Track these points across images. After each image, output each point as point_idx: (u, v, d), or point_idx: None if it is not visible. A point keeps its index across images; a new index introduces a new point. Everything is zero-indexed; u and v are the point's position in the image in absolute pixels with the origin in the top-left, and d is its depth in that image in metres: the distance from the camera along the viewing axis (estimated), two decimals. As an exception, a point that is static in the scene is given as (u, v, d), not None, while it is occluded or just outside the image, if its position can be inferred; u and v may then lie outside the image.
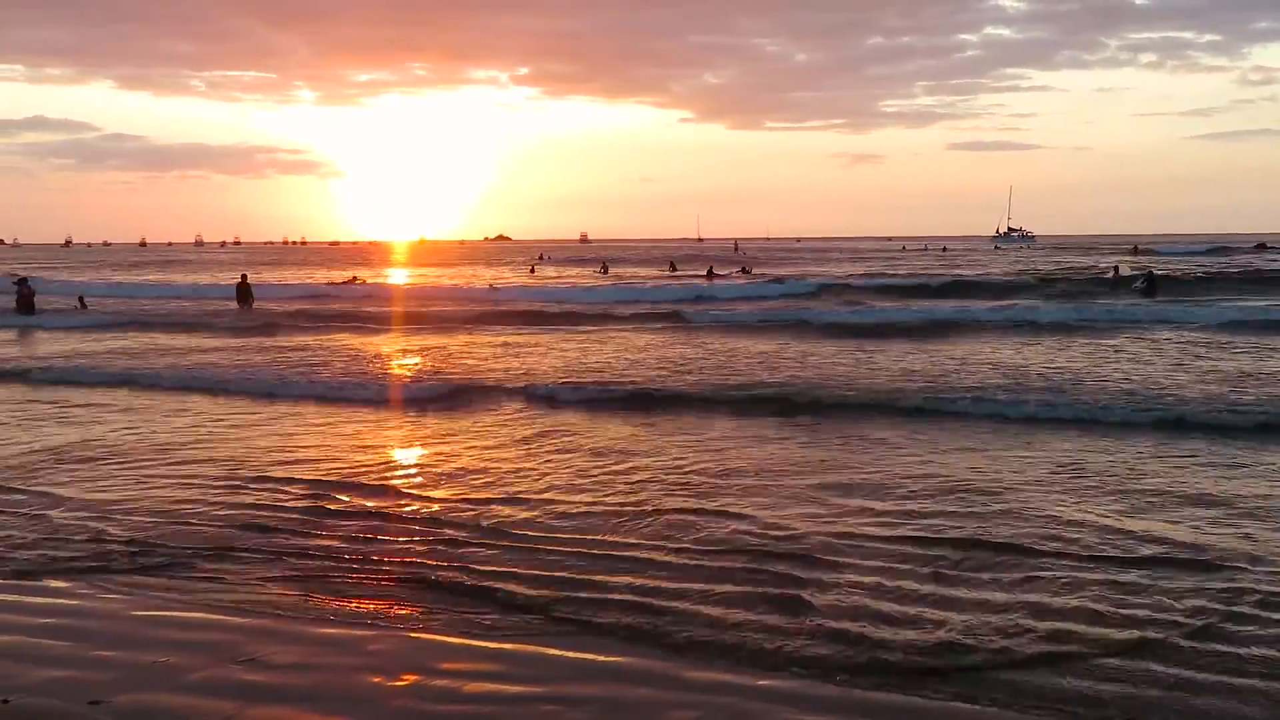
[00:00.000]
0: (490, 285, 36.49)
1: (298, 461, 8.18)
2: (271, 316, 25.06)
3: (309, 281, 49.43)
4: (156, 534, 6.24)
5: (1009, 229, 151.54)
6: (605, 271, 58.60)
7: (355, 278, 47.59)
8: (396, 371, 12.70)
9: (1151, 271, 33.97)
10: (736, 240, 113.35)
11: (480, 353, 15.08)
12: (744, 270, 53.60)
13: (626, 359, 14.41)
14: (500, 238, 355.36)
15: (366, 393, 11.81)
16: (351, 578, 5.46)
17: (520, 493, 7.09)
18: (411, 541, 6.04)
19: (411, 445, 8.76)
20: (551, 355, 14.92)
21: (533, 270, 64.86)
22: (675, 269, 64.20)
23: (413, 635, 4.64)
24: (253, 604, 5.07)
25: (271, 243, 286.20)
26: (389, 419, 10.13)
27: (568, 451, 8.52)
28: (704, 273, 50.66)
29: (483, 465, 7.99)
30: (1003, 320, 20.80)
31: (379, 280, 47.56)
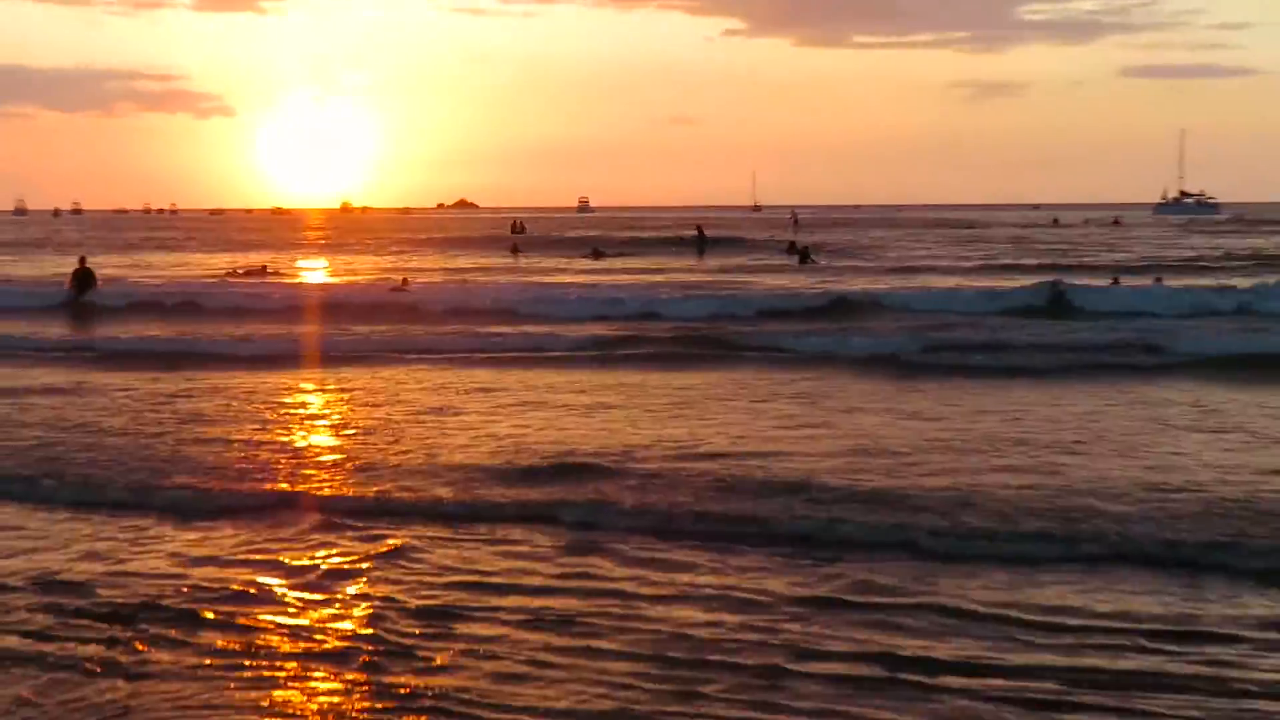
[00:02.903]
0: (403, 281, 36.36)
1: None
2: (113, 343, 24.64)
3: (182, 273, 49.38)
4: None
5: (1181, 193, 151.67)
6: (597, 258, 59.59)
7: (265, 266, 50.46)
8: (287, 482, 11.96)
9: None
10: (795, 211, 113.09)
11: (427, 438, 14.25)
12: (802, 254, 52.97)
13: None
14: (462, 204, 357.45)
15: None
16: None
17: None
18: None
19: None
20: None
21: (516, 251, 65.08)
22: (704, 250, 63.85)
23: None
24: None
25: (126, 210, 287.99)
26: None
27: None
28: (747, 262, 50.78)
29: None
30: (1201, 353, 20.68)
31: (279, 273, 48.73)
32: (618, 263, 56.56)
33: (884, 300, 30.80)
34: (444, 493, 11.22)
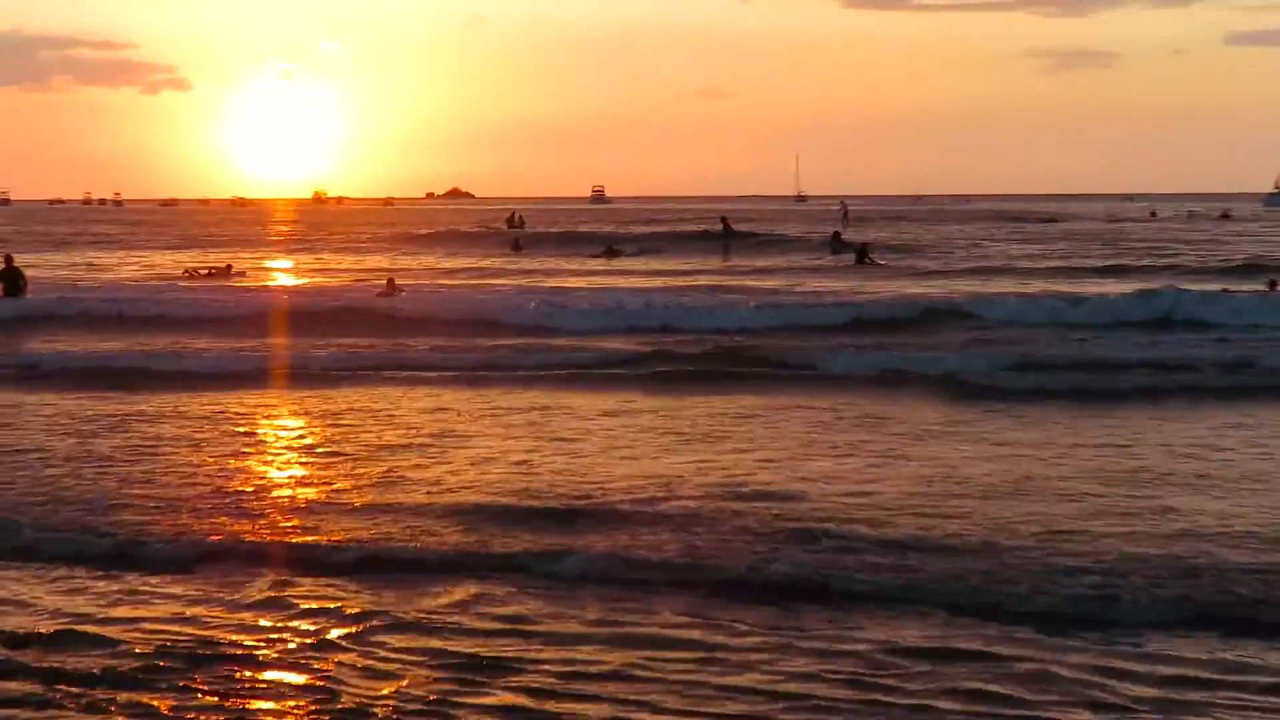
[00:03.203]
0: (390, 284, 36.56)
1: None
2: (47, 358, 24.50)
3: (130, 274, 49.59)
4: None
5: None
6: (611, 256, 60.66)
7: (229, 265, 50.76)
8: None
9: None
10: (845, 202, 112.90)
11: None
12: (859, 253, 52.91)
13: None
14: (455, 193, 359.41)
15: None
16: None
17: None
18: None
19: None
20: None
21: (518, 247, 65.50)
22: (729, 245, 64.05)
23: None
24: None
25: (63, 201, 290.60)
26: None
27: None
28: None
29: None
30: None
31: (245, 275, 49.09)
32: (636, 263, 56.65)
33: (961, 308, 30.86)
34: (436, 537, 11.11)
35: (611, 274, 49.52)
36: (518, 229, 74.95)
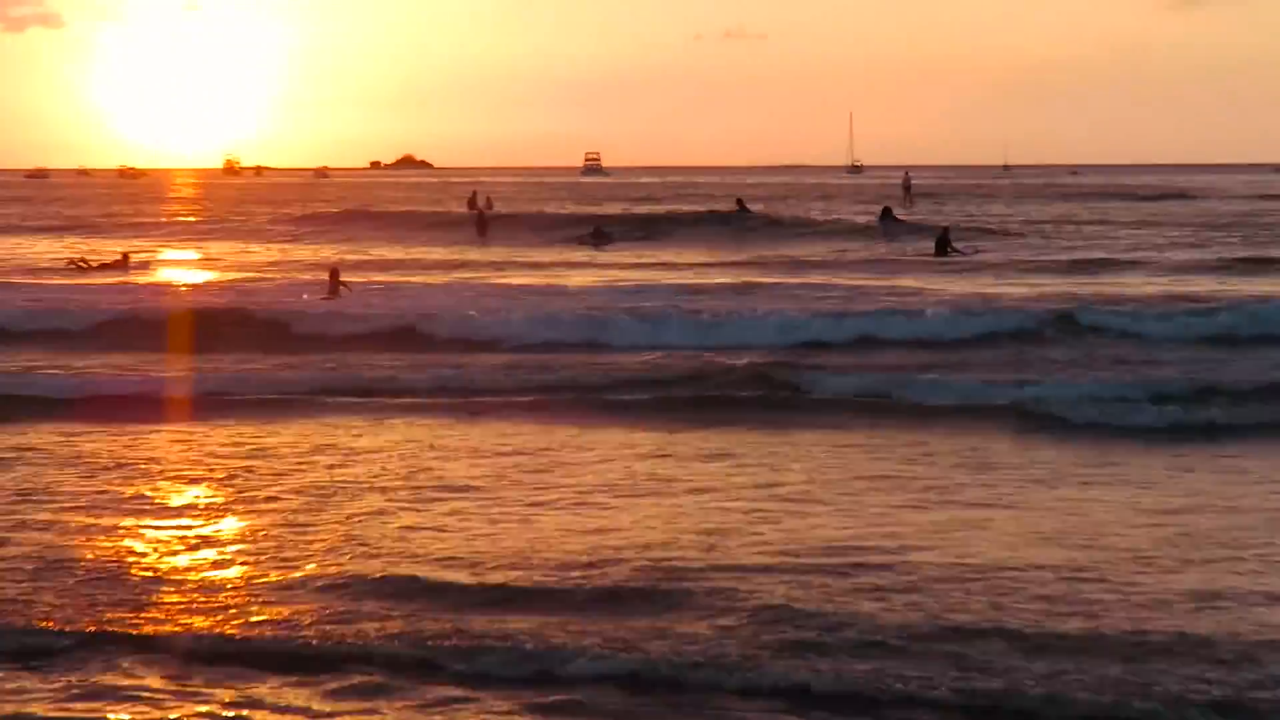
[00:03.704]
0: (334, 279, 37.14)
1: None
2: None
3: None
4: None
5: None
6: (600, 244, 61.41)
7: (126, 255, 50.67)
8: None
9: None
10: (909, 173, 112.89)
11: None
12: (939, 242, 53.05)
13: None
14: (407, 162, 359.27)
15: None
16: None
17: None
18: None
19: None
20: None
21: (482, 229, 65.52)
22: (748, 227, 63.33)
23: None
24: None
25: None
26: None
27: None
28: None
29: None
30: None
31: (147, 268, 49.28)
32: (626, 254, 56.60)
33: (1078, 317, 30.68)
34: (391, 625, 11.09)
35: (600, 266, 49.66)
36: (484, 212, 74.26)
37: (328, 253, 56.57)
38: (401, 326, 30.69)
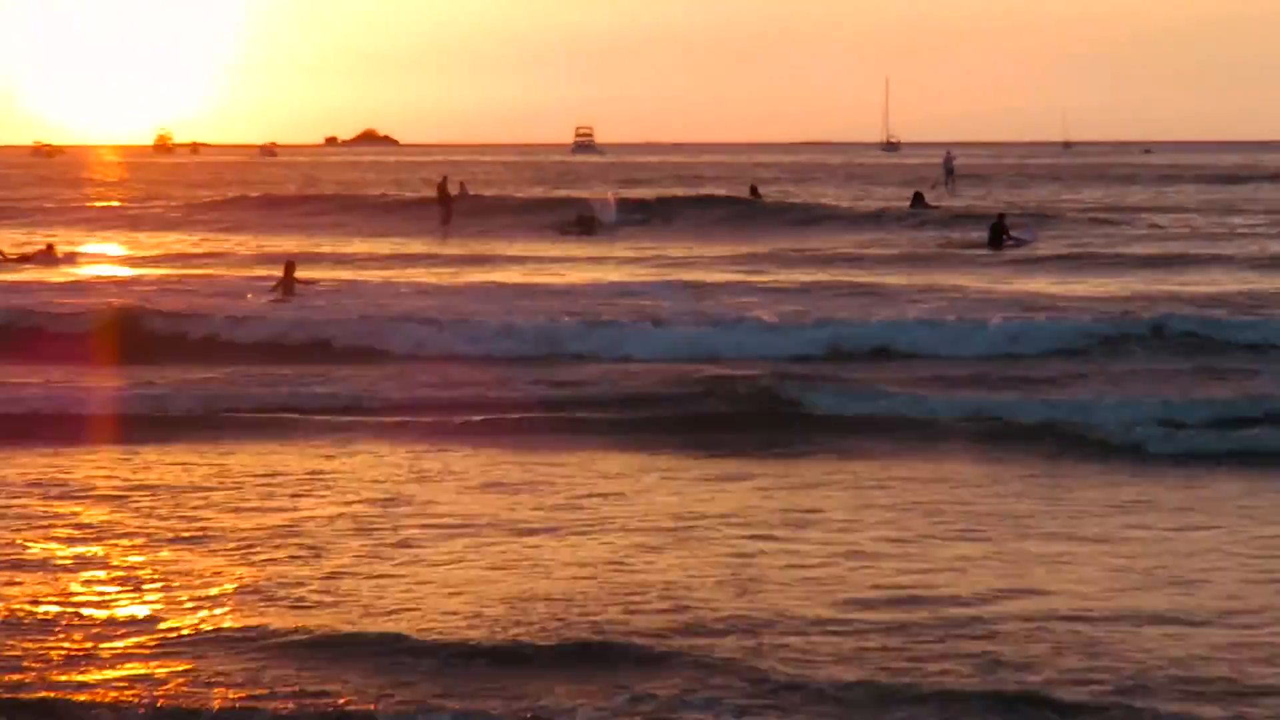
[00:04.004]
0: (286, 275, 37.67)
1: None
2: None
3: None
4: None
5: None
6: (585, 233, 62.18)
7: (50, 246, 51.27)
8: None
9: None
10: (951, 152, 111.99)
11: None
12: (994, 231, 52.73)
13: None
14: (368, 138, 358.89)
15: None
16: None
17: None
18: None
19: None
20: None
21: (446, 216, 65.48)
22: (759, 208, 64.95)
23: None
24: None
25: None
26: None
27: None
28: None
29: None
30: None
31: (75, 260, 49.94)
32: (618, 245, 56.85)
33: (1160, 323, 30.75)
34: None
35: (589, 260, 50.07)
36: (448, 197, 71.63)
37: (273, 244, 56.61)
38: (350, 335, 30.69)
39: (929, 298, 36.01)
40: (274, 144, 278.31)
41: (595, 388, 25.26)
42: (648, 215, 68.26)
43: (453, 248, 56.79)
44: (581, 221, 63.30)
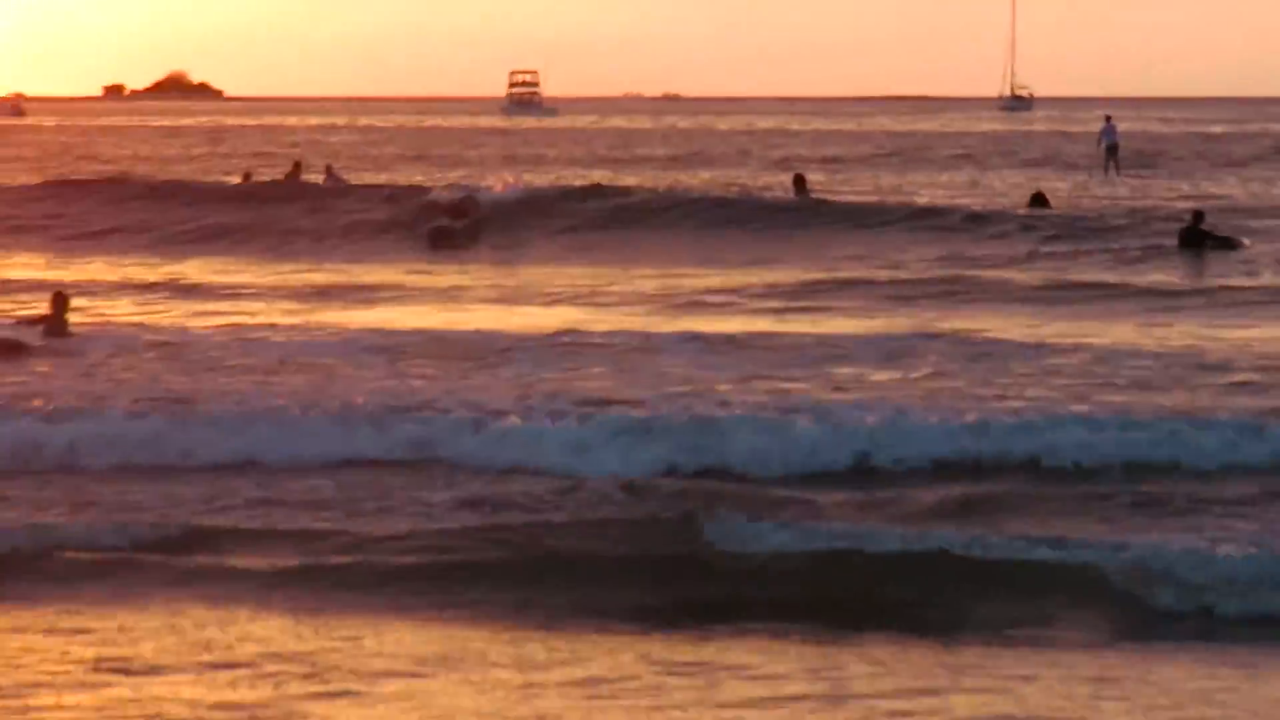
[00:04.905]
0: (54, 303, 34.38)
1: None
2: None
3: None
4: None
5: None
6: (441, 246, 51.30)
7: None
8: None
9: None
10: (1111, 118, 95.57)
11: None
12: (1196, 236, 43.17)
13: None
14: (173, 84, 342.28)
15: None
16: None
17: None
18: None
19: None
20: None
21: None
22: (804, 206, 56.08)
23: None
24: None
25: None
26: None
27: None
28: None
29: None
30: None
31: None
32: (491, 269, 45.22)
33: None
34: None
35: (407, 294, 38.44)
36: (322, 188, 60.92)
37: (20, 261, 46.56)
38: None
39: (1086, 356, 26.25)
40: (20, 95, 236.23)
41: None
42: (575, 219, 53.74)
43: (286, 267, 44.55)
44: (436, 234, 49.38)
